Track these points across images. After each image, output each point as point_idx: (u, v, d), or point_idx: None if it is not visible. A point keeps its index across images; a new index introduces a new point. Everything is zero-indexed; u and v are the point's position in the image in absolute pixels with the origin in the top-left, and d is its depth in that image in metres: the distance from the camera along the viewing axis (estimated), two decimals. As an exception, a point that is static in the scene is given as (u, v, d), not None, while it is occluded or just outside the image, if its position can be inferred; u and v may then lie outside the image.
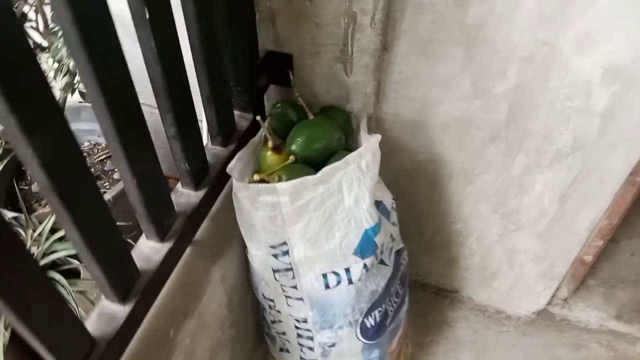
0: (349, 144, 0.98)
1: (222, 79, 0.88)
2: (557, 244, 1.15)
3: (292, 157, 0.87)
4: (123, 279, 0.75)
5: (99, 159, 1.33)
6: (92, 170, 1.33)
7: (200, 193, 0.88)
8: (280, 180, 0.82)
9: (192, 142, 0.83)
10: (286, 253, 0.84)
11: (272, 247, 0.84)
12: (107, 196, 1.09)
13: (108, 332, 0.72)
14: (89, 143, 1.37)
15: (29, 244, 1.03)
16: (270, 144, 0.90)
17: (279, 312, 0.96)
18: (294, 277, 0.86)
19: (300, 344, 0.98)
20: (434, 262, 1.34)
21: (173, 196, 0.87)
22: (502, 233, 1.17)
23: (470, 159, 1.06)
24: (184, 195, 0.88)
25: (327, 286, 0.87)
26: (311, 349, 0.97)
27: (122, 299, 0.75)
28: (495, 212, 1.14)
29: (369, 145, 0.85)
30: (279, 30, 0.95)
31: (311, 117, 0.95)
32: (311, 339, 0.95)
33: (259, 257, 0.88)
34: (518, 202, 1.10)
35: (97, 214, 0.65)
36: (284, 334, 1.01)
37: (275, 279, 0.88)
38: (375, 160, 0.85)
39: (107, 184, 1.30)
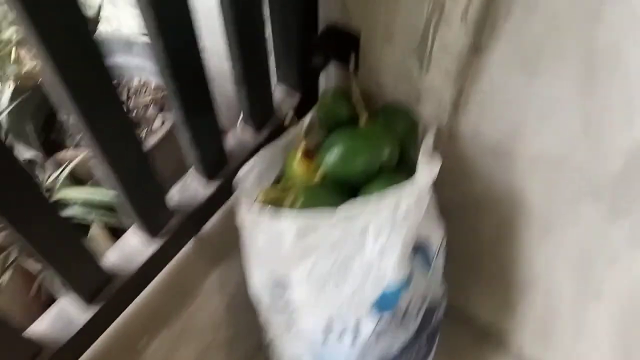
0: (409, 156, 0.79)
1: (259, 46, 0.70)
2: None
3: (320, 171, 0.70)
4: (90, 276, 0.64)
5: (145, 102, 1.21)
6: (133, 113, 1.22)
7: (211, 187, 0.74)
8: (294, 204, 0.65)
9: (209, 124, 0.68)
10: (286, 287, 0.69)
11: (271, 276, 0.70)
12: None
13: (60, 338, 0.62)
14: (138, 81, 1.26)
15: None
16: (302, 145, 0.73)
17: (272, 339, 0.82)
18: (291, 315, 0.72)
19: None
20: (486, 298, 1.14)
21: (177, 188, 0.74)
22: (576, 297, 0.94)
23: (557, 207, 0.83)
24: (191, 189, 0.74)
25: (327, 336, 0.71)
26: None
27: (88, 299, 0.65)
28: (574, 272, 0.91)
29: (417, 184, 0.65)
30: (347, 1, 0.75)
31: (363, 118, 0.76)
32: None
33: (256, 279, 0.74)
34: (604, 271, 0.86)
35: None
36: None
37: (270, 309, 0.74)
38: (419, 205, 0.66)
39: (144, 132, 1.19)
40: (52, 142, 1.20)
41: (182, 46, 0.57)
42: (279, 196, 0.68)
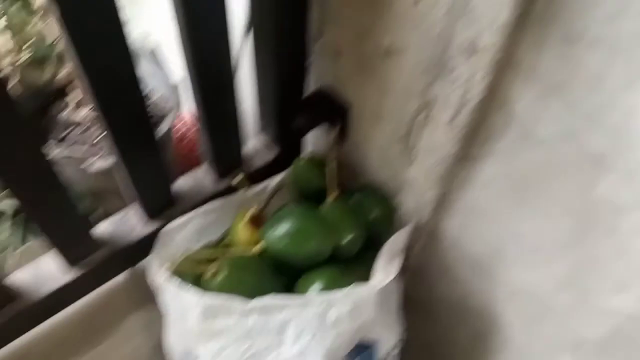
0: (380, 243, 0.70)
1: (224, 90, 0.64)
2: None
3: (257, 247, 0.63)
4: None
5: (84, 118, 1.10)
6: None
7: (151, 226, 0.69)
8: (215, 277, 0.58)
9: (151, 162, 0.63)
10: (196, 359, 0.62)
11: (182, 343, 0.63)
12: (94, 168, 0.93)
13: None
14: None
15: None
16: (253, 209, 0.66)
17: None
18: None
19: None
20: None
21: (112, 221, 0.69)
22: None
23: (536, 346, 0.71)
24: (127, 224, 0.69)
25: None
26: None
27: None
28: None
29: (360, 291, 0.57)
30: (340, 70, 0.68)
31: (332, 195, 0.68)
32: None
33: (170, 340, 0.68)
34: None
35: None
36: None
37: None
38: (357, 315, 0.57)
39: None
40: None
41: (117, 86, 0.52)
42: (203, 262, 0.61)
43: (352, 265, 0.69)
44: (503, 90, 0.52)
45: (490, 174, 0.60)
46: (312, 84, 0.71)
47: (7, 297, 0.62)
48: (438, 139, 0.60)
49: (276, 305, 0.55)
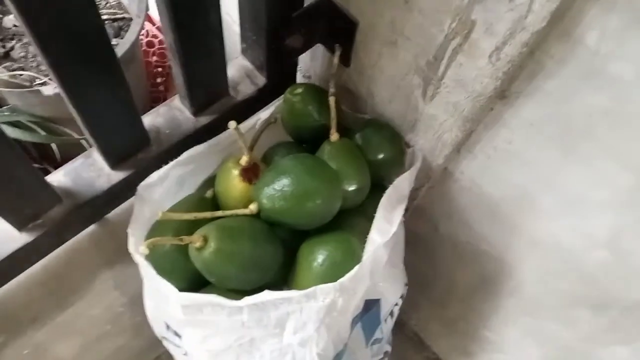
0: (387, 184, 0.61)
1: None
2: None
3: (252, 208, 0.52)
4: None
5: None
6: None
7: (122, 172, 0.58)
8: (203, 245, 0.48)
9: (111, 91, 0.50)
10: (178, 335, 0.54)
11: (163, 318, 0.55)
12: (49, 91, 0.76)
13: None
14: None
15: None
16: (244, 158, 0.54)
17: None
18: (186, 355, 0.58)
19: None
20: (446, 336, 1.00)
21: (66, 171, 0.57)
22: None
23: (549, 301, 0.66)
24: (91, 171, 0.57)
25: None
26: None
27: None
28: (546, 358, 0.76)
29: (367, 265, 0.48)
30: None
31: (334, 134, 0.57)
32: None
33: (149, 311, 0.59)
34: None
35: None
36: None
37: (165, 344, 0.60)
38: (362, 285, 0.49)
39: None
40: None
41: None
42: (187, 226, 0.51)
43: (354, 215, 0.60)
44: (572, 16, 0.40)
45: (532, 115, 0.50)
46: (309, -4, 0.57)
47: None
48: (473, 72, 0.48)
49: (273, 302, 0.46)
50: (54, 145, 0.81)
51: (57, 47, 0.41)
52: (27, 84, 0.77)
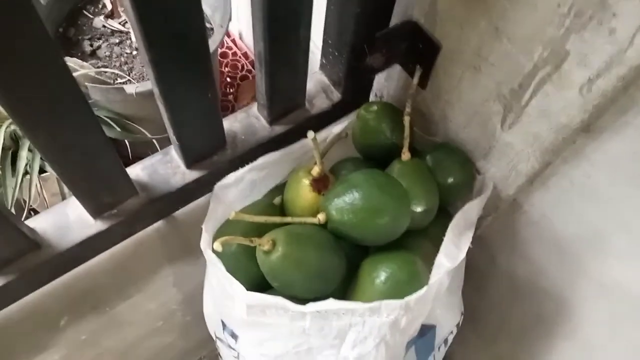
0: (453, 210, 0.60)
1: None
2: None
3: (321, 218, 0.52)
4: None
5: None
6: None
7: (191, 175, 0.60)
8: (272, 249, 0.49)
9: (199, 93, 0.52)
10: (234, 337, 0.55)
11: (221, 318, 0.55)
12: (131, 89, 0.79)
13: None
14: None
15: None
16: (316, 169, 0.55)
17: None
18: (238, 359, 0.58)
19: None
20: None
21: (143, 166, 0.59)
22: None
23: (607, 343, 0.63)
24: (168, 168, 0.59)
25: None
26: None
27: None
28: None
29: (433, 288, 0.48)
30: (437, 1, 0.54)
31: (406, 153, 0.57)
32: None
33: (208, 310, 0.60)
34: None
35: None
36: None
37: (218, 345, 0.61)
38: (424, 308, 0.49)
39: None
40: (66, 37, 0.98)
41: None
42: (256, 229, 0.52)
43: (419, 237, 0.60)
44: (675, 52, 0.39)
45: (617, 151, 0.49)
46: (396, 14, 0.57)
47: (27, 245, 0.53)
48: (560, 103, 0.48)
49: (337, 311, 0.46)
50: (126, 142, 0.85)
51: (161, 44, 0.43)
52: (110, 81, 0.81)
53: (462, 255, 0.51)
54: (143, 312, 0.70)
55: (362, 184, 0.52)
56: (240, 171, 0.55)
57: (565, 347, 0.71)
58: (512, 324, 0.81)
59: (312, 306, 0.45)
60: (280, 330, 0.48)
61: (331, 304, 0.44)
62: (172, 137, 0.56)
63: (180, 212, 0.65)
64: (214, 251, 0.48)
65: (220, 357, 0.71)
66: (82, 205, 0.55)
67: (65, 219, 0.56)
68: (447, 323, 0.62)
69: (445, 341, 0.63)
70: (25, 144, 0.78)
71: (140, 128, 0.83)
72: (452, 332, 0.63)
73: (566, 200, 0.57)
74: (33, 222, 0.55)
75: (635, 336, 0.59)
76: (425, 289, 0.46)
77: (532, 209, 0.63)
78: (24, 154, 0.77)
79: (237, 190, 0.56)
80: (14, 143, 0.80)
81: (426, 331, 0.59)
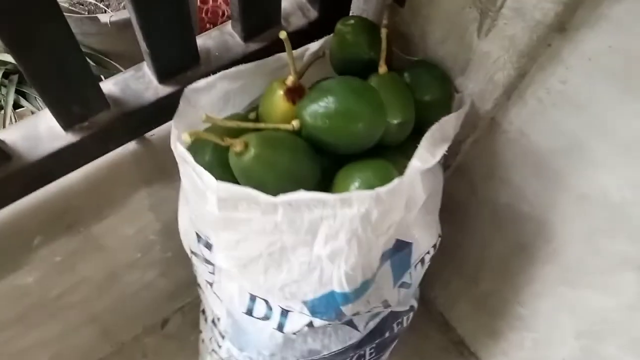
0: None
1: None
2: None
3: (295, 124, 0.52)
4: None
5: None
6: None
7: (164, 90, 0.59)
8: (243, 152, 0.48)
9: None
10: (209, 247, 0.54)
11: (195, 227, 0.55)
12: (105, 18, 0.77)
13: None
14: None
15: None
16: (290, 79, 0.54)
17: (200, 286, 0.69)
18: (213, 273, 0.58)
19: (212, 329, 0.73)
20: (473, 315, 0.97)
21: (116, 81, 0.58)
22: (570, 363, 0.77)
23: (592, 263, 0.63)
24: (141, 82, 0.58)
25: (249, 312, 0.57)
26: (218, 344, 0.72)
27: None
28: (578, 339, 0.72)
29: (404, 181, 0.47)
30: None
31: (382, 67, 0.57)
32: (222, 337, 0.69)
33: (182, 222, 0.59)
34: (615, 355, 0.68)
35: None
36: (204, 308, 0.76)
37: (194, 262, 0.61)
38: (398, 208, 0.48)
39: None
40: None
41: None
42: (229, 132, 0.51)
43: (395, 153, 0.59)
44: None
45: (592, 49, 0.48)
46: None
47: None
48: (534, 1, 0.47)
49: (307, 202, 0.45)
50: (102, 77, 0.83)
51: None
52: (86, 13, 0.79)
53: (435, 160, 0.51)
54: (120, 238, 0.69)
55: (336, 88, 0.52)
56: (212, 77, 0.54)
57: (546, 272, 0.72)
58: (494, 258, 0.81)
59: (283, 197, 0.44)
60: (253, 228, 0.47)
61: (302, 194, 0.44)
62: (144, 47, 0.54)
63: (155, 136, 0.64)
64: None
65: (200, 289, 0.70)
66: (53, 117, 0.54)
67: (35, 131, 0.55)
68: (424, 242, 0.61)
69: (422, 260, 0.63)
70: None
71: (116, 65, 0.82)
72: (428, 252, 0.63)
73: (543, 112, 0.57)
74: (3, 135, 0.54)
75: (615, 247, 0.59)
76: (396, 180, 0.46)
77: (511, 127, 0.62)
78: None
79: (209, 98, 0.55)
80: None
81: (402, 247, 0.59)
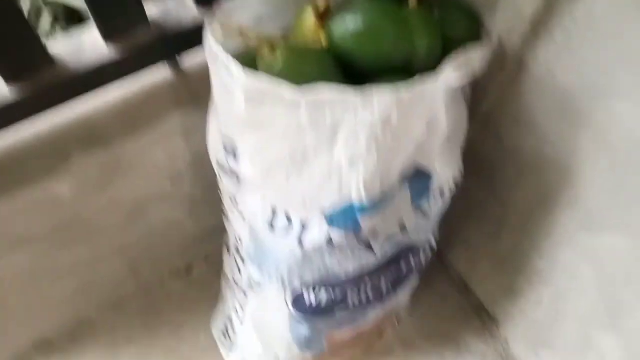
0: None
1: None
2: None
3: (323, 40, 0.54)
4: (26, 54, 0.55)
5: None
6: None
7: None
8: (272, 58, 0.50)
9: None
10: (234, 156, 0.57)
11: (223, 136, 0.57)
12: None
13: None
14: None
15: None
16: (321, 2, 0.56)
17: (225, 209, 0.72)
18: (238, 185, 0.60)
19: (234, 257, 0.76)
20: (493, 275, 0.97)
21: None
22: (588, 315, 0.76)
23: (613, 205, 0.63)
24: (182, 4, 0.61)
25: (271, 225, 0.60)
26: (239, 271, 0.75)
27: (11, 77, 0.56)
28: (597, 288, 0.72)
29: (429, 89, 0.49)
30: None
31: (412, 2, 0.58)
32: (242, 261, 0.72)
33: (211, 133, 0.62)
34: (635, 301, 0.67)
35: None
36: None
37: (220, 177, 0.63)
38: (421, 119, 0.50)
39: None
40: None
41: None
42: (261, 41, 0.53)
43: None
44: None
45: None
46: None
47: (43, 59, 0.56)
48: None
49: (332, 101, 0.47)
50: None
51: None
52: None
53: (459, 81, 0.52)
54: (152, 161, 0.72)
55: (365, 7, 0.54)
56: None
57: (566, 219, 0.71)
58: (516, 211, 0.82)
59: (306, 93, 0.46)
60: (277, 129, 0.49)
61: (325, 90, 0.46)
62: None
63: (190, 67, 0.67)
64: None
65: (225, 216, 0.73)
66: (97, 30, 0.57)
67: (79, 42, 0.59)
68: (444, 173, 0.62)
69: (442, 193, 0.64)
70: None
71: None
72: (449, 185, 0.64)
73: (569, 45, 0.57)
74: (49, 43, 0.58)
75: (636, 184, 0.59)
76: (419, 87, 0.47)
77: (538, 67, 0.63)
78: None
79: (242, 18, 0.57)
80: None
81: (421, 174, 0.60)
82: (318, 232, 0.58)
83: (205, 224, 0.95)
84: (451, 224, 0.99)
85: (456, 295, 1.07)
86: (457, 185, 0.66)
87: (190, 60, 0.66)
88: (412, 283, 0.80)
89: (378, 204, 0.55)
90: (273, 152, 0.52)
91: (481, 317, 1.04)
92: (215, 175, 0.67)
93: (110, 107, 0.64)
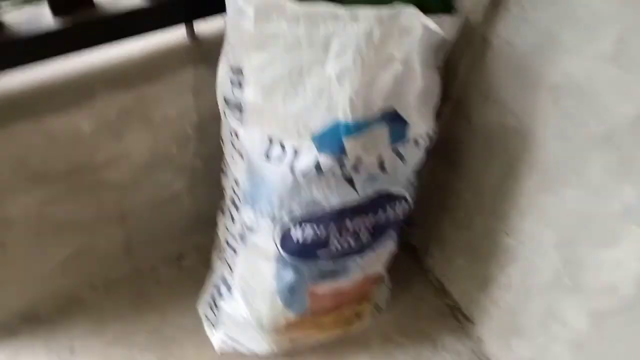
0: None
1: None
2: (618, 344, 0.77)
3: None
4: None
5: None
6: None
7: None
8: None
9: None
10: (239, 85, 0.66)
11: (231, 68, 0.67)
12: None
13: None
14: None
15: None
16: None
17: (226, 161, 0.80)
18: (240, 120, 0.69)
19: (230, 211, 0.82)
20: (467, 268, 1.03)
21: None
22: (551, 282, 0.82)
23: (565, 153, 0.72)
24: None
25: (267, 155, 0.68)
26: (233, 221, 0.81)
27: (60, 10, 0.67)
28: (558, 249, 0.79)
29: (408, 14, 0.59)
30: None
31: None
32: (237, 209, 0.79)
33: (221, 69, 0.72)
34: (591, 254, 0.74)
35: None
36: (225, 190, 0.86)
37: (226, 114, 0.72)
38: (402, 42, 0.60)
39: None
40: None
41: None
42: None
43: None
44: None
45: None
46: None
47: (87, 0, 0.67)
48: None
49: (325, 15, 0.58)
50: None
51: None
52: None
53: (433, 27, 0.63)
54: (163, 115, 0.81)
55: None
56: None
57: (529, 185, 0.80)
58: (485, 192, 0.90)
59: (306, 6, 0.57)
60: (279, 46, 0.60)
61: (320, 5, 0.57)
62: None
63: (205, 32, 0.78)
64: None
65: (224, 160, 0.81)
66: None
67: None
68: (419, 125, 0.71)
69: (417, 142, 0.72)
70: None
71: None
72: (423, 138, 0.73)
73: (522, 14, 0.70)
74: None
75: (584, 132, 0.68)
76: (399, 9, 0.58)
77: (498, 40, 0.75)
78: None
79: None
80: None
81: (399, 119, 0.69)
82: (307, 157, 0.66)
83: (201, 207, 1.02)
84: (428, 221, 1.07)
85: (433, 297, 1.12)
86: (430, 140, 0.75)
87: (205, 26, 0.78)
88: (389, 244, 0.87)
89: (361, 126, 0.64)
90: (275, 69, 0.61)
91: (457, 317, 1.09)
92: (217, 146, 0.77)
93: (134, 56, 0.74)
